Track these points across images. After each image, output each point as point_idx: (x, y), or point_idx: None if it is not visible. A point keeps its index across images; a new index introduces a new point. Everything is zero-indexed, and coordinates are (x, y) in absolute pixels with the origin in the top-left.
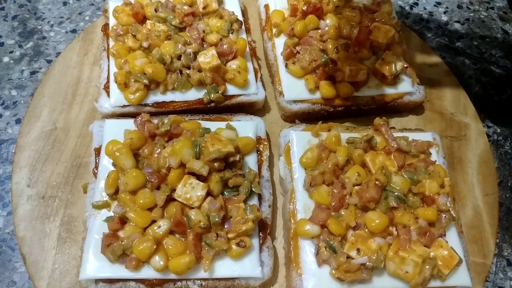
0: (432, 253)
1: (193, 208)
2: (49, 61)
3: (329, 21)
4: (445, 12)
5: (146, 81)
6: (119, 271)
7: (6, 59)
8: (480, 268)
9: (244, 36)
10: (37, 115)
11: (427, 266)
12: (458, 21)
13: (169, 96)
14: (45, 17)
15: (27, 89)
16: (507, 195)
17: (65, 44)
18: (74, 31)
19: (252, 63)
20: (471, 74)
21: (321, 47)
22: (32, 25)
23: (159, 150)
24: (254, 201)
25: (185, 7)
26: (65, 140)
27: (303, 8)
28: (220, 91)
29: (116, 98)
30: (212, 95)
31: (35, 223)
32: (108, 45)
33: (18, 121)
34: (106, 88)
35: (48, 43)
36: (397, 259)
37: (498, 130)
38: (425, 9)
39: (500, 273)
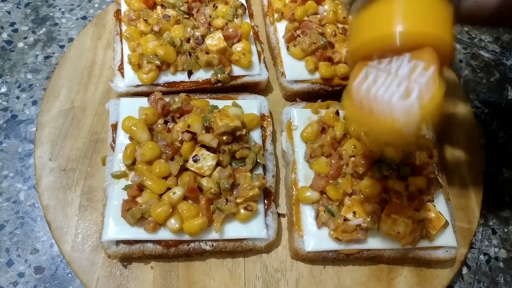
0: (421, 216)
1: (204, 176)
2: (61, 46)
3: (327, 7)
4: None
5: (158, 62)
6: (138, 233)
7: (20, 44)
8: (465, 232)
9: (247, 20)
10: (56, 95)
11: (416, 227)
12: None
13: (179, 77)
14: (56, 4)
15: (41, 72)
16: (493, 170)
17: (76, 30)
18: (84, 17)
19: (256, 46)
20: (462, 58)
21: (320, 30)
22: (44, 12)
23: (172, 125)
24: (259, 171)
25: None
26: (82, 117)
27: None
28: (226, 72)
29: (130, 78)
30: (219, 76)
31: (58, 192)
32: (120, 29)
33: (34, 103)
34: (120, 69)
35: (60, 29)
36: (389, 221)
37: (486, 111)
38: None
39: (485, 241)
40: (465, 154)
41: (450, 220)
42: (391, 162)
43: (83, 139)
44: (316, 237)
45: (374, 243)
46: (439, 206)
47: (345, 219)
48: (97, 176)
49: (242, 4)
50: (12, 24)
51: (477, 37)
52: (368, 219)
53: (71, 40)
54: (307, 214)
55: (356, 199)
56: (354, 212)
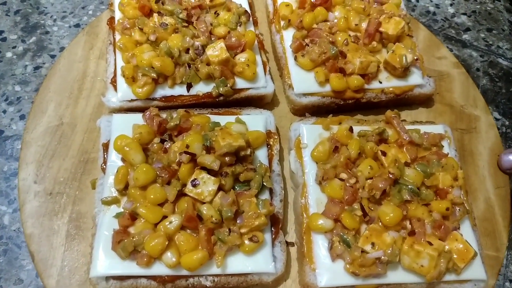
0: (447, 247)
1: (204, 203)
2: (52, 56)
3: (338, 13)
4: (451, 4)
5: (154, 75)
6: (130, 267)
7: (9, 54)
8: (493, 261)
9: (252, 28)
10: (43, 110)
11: (442, 260)
12: (464, 13)
13: (177, 90)
14: (48, 11)
15: (31, 84)
16: None
17: (68, 38)
18: (77, 25)
19: (261, 56)
20: (479, 66)
21: (330, 39)
22: (34, 20)
23: (169, 144)
24: (265, 195)
25: (192, 0)
26: (71, 135)
27: (312, 0)
28: (229, 85)
29: (123, 92)
30: (221, 89)
31: (43, 219)
32: (114, 39)
33: (22, 117)
34: (113, 82)
35: (52, 37)
36: (412, 252)
37: (507, 123)
38: (431, 1)
39: (510, 266)
40: (489, 172)
41: (478, 250)
42: (412, 185)
43: (72, 159)
44: (330, 271)
45: (395, 277)
46: (466, 234)
47: (363, 251)
48: (86, 201)
49: (246, 11)
50: (1, 32)
51: (494, 44)
52: (389, 251)
53: (63, 49)
54: (320, 244)
55: (374, 228)
56: (372, 243)
